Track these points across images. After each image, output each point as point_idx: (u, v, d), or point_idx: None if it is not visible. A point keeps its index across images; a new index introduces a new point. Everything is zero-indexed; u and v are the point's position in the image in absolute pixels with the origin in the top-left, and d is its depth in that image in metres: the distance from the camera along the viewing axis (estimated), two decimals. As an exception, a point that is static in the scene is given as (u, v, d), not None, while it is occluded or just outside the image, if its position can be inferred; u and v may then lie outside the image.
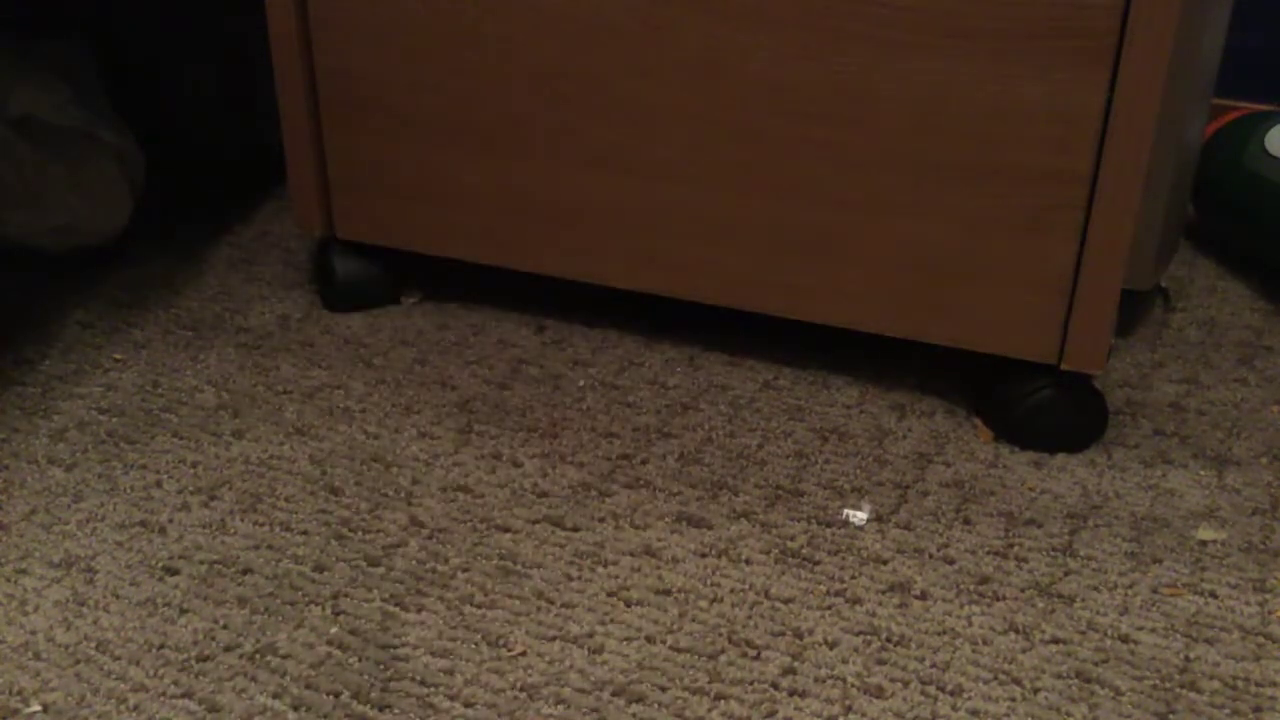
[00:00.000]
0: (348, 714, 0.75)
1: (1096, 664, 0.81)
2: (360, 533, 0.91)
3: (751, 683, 0.78)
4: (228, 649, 0.80)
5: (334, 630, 0.82)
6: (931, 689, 0.78)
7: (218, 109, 1.44)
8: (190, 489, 0.96)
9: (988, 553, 0.90)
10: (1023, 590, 0.87)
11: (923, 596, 0.86)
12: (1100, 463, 1.01)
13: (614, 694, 0.77)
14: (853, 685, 0.78)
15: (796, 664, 0.80)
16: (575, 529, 0.92)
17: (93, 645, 0.81)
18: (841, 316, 1.05)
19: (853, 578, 0.88)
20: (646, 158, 1.05)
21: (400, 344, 1.17)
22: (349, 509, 0.94)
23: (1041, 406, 1.01)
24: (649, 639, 0.82)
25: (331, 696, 0.76)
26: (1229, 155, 1.31)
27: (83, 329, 1.18)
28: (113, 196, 1.26)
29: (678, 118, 1.02)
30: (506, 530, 0.92)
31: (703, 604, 0.85)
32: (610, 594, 0.86)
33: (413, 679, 0.78)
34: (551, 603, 0.85)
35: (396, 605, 0.84)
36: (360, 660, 0.79)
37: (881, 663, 0.80)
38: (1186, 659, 0.81)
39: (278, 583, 0.86)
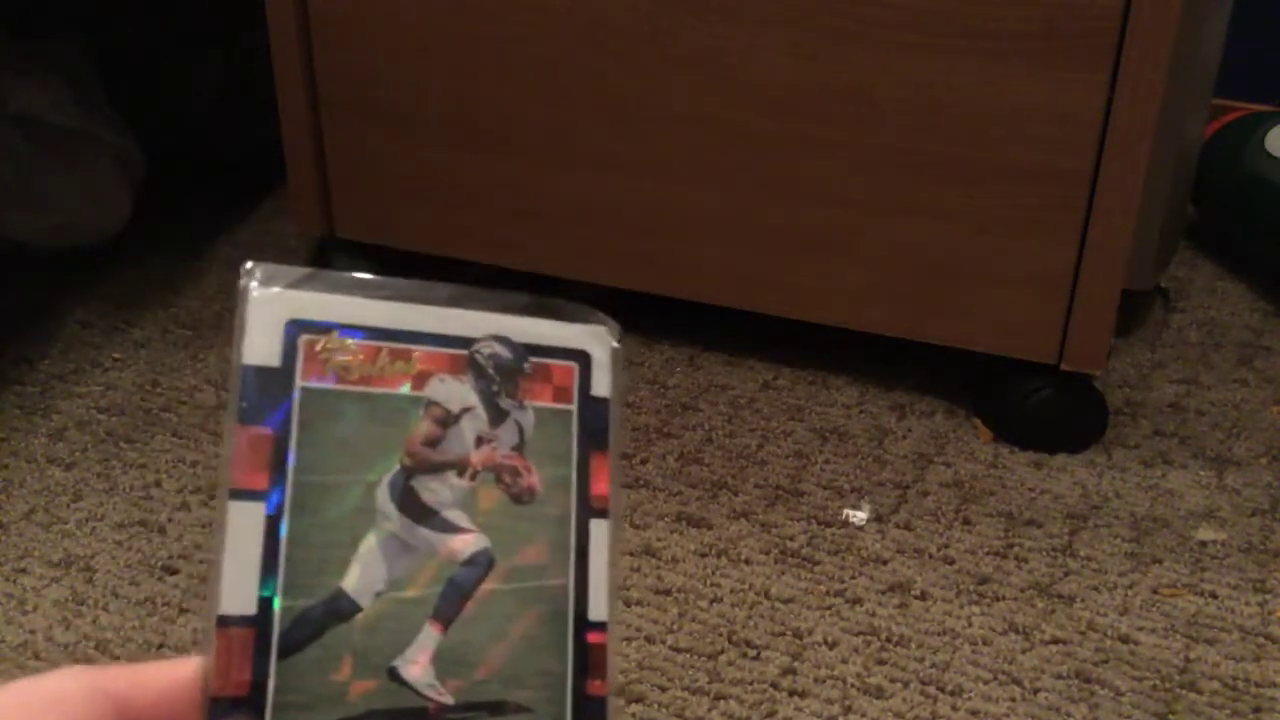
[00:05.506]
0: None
1: (1096, 664, 0.80)
2: (360, 532, 0.91)
3: (751, 683, 0.78)
4: (227, 649, 0.80)
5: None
6: (931, 689, 0.78)
7: (217, 109, 1.43)
8: (190, 488, 0.96)
9: (988, 553, 0.90)
10: (1023, 590, 0.87)
11: (923, 596, 0.86)
12: (1100, 463, 1.01)
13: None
14: (853, 685, 0.78)
15: (796, 664, 0.80)
16: (575, 529, 0.92)
17: (92, 644, 0.81)
18: (841, 316, 1.05)
19: (853, 578, 0.88)
20: (646, 158, 1.05)
21: (400, 344, 1.16)
22: (349, 509, 0.94)
23: (1041, 406, 1.01)
24: (649, 639, 0.82)
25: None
26: (1229, 155, 1.31)
27: (82, 329, 1.17)
28: (113, 196, 1.26)
29: (678, 118, 1.02)
30: (506, 530, 0.91)
31: (703, 604, 0.85)
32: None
33: (412, 679, 0.78)
34: (551, 602, 0.85)
35: (396, 605, 0.84)
36: (360, 660, 0.79)
37: (881, 663, 0.80)
38: (1186, 659, 0.81)
39: (277, 582, 0.86)
